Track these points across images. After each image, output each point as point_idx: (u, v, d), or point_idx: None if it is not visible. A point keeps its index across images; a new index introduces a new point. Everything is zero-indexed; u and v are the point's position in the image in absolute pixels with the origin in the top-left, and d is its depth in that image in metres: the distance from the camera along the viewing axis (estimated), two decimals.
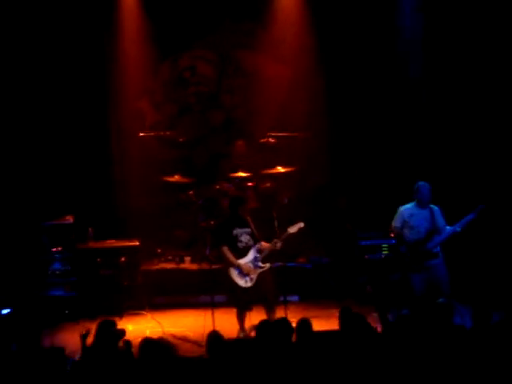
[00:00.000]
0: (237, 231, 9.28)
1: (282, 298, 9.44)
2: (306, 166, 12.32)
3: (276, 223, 9.51)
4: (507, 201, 10.92)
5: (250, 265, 9.18)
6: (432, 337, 6.26)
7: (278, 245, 9.20)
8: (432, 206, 9.21)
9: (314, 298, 11.16)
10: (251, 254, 9.22)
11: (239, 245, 9.25)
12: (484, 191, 10.84)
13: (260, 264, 9.19)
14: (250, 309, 9.24)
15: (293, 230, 9.24)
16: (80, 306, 10.58)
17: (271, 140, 11.95)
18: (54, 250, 10.93)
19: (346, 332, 6.48)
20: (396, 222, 9.26)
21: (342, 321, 6.66)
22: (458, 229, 9.04)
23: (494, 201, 10.04)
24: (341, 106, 12.34)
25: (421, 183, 9.21)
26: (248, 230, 9.30)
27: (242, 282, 9.16)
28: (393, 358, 5.93)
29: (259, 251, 9.22)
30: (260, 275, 9.17)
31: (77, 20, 11.81)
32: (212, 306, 9.39)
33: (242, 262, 9.19)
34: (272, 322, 6.87)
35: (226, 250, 9.23)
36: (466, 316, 8.16)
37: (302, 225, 9.26)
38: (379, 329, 7.22)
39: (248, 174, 11.80)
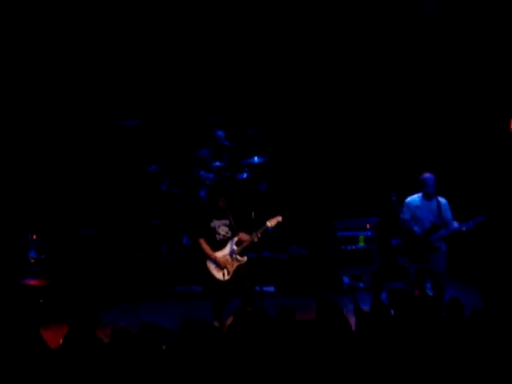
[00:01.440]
0: (215, 223, 9.12)
1: (258, 289, 9.38)
2: (283, 156, 12.32)
3: (253, 214, 9.46)
4: None
5: (228, 257, 9.05)
6: (410, 329, 6.22)
7: (257, 238, 9.09)
8: (440, 198, 9.09)
9: (291, 289, 11.19)
10: (229, 247, 9.08)
11: (217, 237, 9.09)
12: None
13: (238, 257, 9.06)
14: (228, 301, 9.11)
15: (271, 223, 9.15)
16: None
17: None
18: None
19: (322, 319, 6.44)
20: (405, 215, 9.15)
21: (319, 308, 6.61)
22: (464, 228, 8.94)
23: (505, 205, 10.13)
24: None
25: (426, 174, 9.04)
26: (226, 221, 9.14)
27: (220, 275, 9.03)
28: (367, 352, 5.89)
29: (237, 243, 9.09)
30: (237, 268, 9.07)
31: None
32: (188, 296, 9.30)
33: (219, 254, 9.06)
34: (249, 311, 6.78)
35: (203, 242, 9.07)
36: None
37: (280, 219, 9.17)
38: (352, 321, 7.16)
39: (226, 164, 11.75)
